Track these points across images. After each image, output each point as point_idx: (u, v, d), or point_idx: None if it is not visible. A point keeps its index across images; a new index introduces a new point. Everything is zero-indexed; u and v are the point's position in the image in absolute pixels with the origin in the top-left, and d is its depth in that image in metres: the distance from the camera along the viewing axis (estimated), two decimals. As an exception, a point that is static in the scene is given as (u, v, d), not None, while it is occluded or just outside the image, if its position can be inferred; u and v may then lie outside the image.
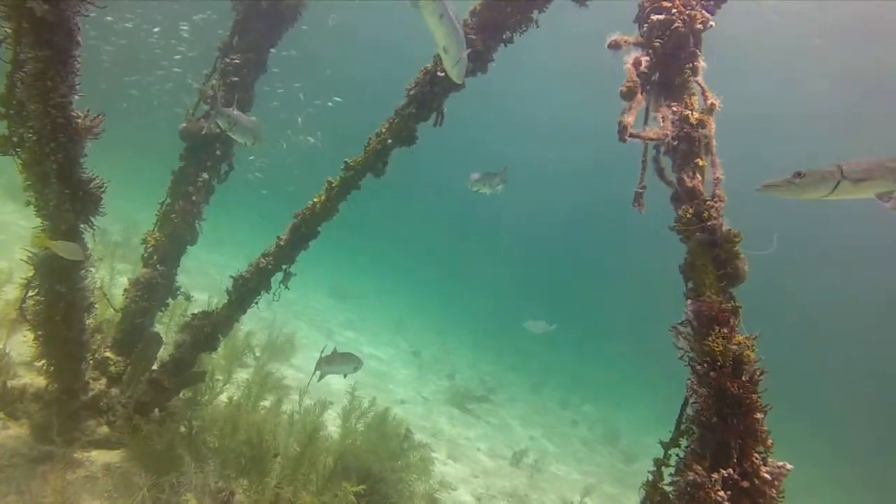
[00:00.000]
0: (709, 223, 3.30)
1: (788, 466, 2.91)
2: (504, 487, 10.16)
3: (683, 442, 3.29)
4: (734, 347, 3.04)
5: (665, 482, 3.25)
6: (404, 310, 25.24)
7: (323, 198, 5.04)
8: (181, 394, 6.46)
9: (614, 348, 28.60)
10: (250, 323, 11.13)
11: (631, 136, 3.41)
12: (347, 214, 5.49)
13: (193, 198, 5.98)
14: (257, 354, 10.66)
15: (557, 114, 38.04)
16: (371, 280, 29.52)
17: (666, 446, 3.32)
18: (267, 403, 8.22)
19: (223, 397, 8.03)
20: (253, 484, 5.79)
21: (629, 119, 3.47)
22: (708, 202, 3.37)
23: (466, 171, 7.10)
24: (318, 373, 6.57)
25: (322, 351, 6.58)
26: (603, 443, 16.98)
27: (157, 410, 5.86)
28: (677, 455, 3.24)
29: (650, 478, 3.33)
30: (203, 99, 6.03)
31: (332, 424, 8.93)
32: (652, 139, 3.46)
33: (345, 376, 7.39)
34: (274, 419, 7.03)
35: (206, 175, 6.03)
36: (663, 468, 3.31)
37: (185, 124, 5.88)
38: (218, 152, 6.01)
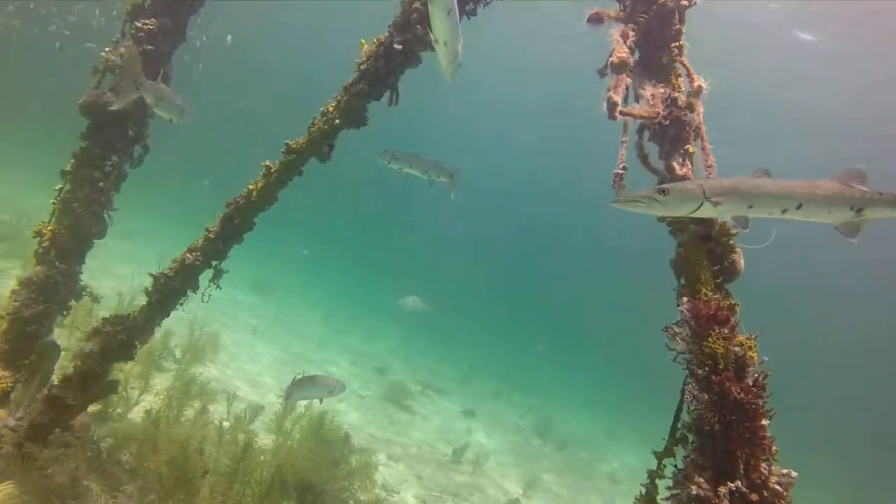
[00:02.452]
0: (705, 215, 3.06)
1: (794, 474, 2.72)
2: (448, 486, 9.86)
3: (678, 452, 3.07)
4: (736, 349, 2.82)
5: (661, 496, 3.00)
6: (329, 303, 24.37)
7: (260, 185, 4.40)
8: (89, 408, 5.60)
9: (535, 348, 29.15)
10: (168, 323, 10.11)
11: (622, 113, 3.09)
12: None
13: (101, 184, 5.12)
14: (178, 357, 9.68)
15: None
16: (294, 274, 28.27)
17: (660, 456, 3.07)
18: (191, 412, 7.41)
19: (140, 409, 7.16)
20: (179, 509, 5.09)
21: (617, 96, 3.16)
22: (701, 191, 3.13)
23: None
24: (288, 401, 6.13)
25: (296, 375, 6.11)
26: (536, 431, 17.14)
27: (57, 431, 5.00)
28: (673, 465, 3.00)
29: (643, 491, 3.07)
30: (110, 68, 5.16)
31: (264, 431, 8.24)
32: (643, 117, 3.17)
33: (321, 401, 6.67)
34: (200, 431, 6.29)
35: (115, 158, 5.18)
36: (657, 480, 3.07)
37: (87, 97, 5.00)
38: (130, 132, 5.16)
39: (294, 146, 4.30)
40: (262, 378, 11.51)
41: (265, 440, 7.62)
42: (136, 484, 5.21)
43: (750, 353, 2.82)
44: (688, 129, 3.24)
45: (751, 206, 3.00)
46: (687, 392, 2.93)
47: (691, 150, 3.26)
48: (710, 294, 3.02)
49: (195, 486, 5.38)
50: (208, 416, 7.26)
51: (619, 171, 3.19)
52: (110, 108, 4.68)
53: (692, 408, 2.89)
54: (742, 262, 3.06)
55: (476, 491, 10.20)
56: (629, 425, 22.42)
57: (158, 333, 9.41)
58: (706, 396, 2.82)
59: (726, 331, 2.87)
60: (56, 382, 4.85)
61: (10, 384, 5.03)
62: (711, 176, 3.17)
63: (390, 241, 52.34)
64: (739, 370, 2.80)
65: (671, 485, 2.93)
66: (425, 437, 12.34)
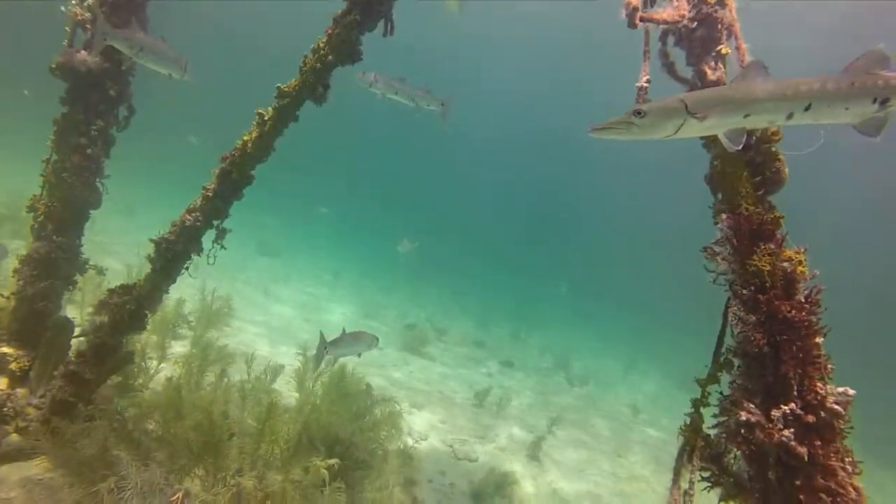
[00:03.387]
0: (743, 121, 2.77)
1: (851, 392, 2.55)
2: (473, 429, 9.96)
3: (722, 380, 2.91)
4: (785, 265, 2.60)
5: (707, 424, 2.87)
6: (338, 261, 24.33)
7: (255, 135, 4.12)
8: (109, 381, 5.55)
9: (558, 290, 28.91)
10: (178, 290, 10.04)
11: (642, 19, 2.77)
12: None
13: (88, 151, 4.85)
14: (192, 323, 9.64)
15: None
16: (299, 235, 28.13)
17: (703, 383, 2.91)
18: (211, 377, 7.39)
19: (160, 378, 7.14)
20: (210, 472, 5.09)
21: (636, 1, 2.82)
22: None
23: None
24: (328, 357, 6.07)
25: (322, 335, 6.02)
26: (556, 370, 17.30)
27: (81, 406, 4.95)
28: (719, 392, 2.85)
29: (688, 421, 2.93)
30: (80, 24, 4.80)
31: (287, 389, 8.25)
32: (667, 22, 2.84)
33: (359, 356, 6.68)
34: (223, 395, 6.25)
35: (100, 122, 4.89)
36: (702, 409, 2.92)
37: (59, 57, 4.67)
38: (112, 92, 4.85)
39: (286, 90, 3.99)
40: (278, 337, 11.52)
41: (288, 398, 7.64)
42: (164, 451, 5.19)
43: (800, 269, 2.61)
44: (719, 27, 2.91)
45: (747, 116, 2.62)
46: (731, 314, 2.74)
47: (724, 51, 2.93)
48: (751, 208, 2.78)
49: (223, 449, 5.36)
50: (229, 379, 7.23)
51: (643, 85, 2.89)
52: (85, 67, 4.35)
53: (737, 330, 2.71)
54: (786, 170, 2.79)
55: (501, 432, 10.32)
56: (647, 359, 22.64)
57: (171, 301, 9.37)
58: (753, 317, 2.63)
59: (772, 246, 2.65)
60: (71, 358, 4.76)
61: (27, 363, 4.96)
62: (749, 77, 2.86)
63: (406, 194, 51.87)
64: (789, 287, 2.60)
65: (717, 412, 2.79)
66: (447, 383, 12.44)
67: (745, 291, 2.67)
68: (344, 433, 6.44)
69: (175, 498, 4.23)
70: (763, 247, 2.64)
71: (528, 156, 54.76)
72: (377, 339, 6.33)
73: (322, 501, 5.53)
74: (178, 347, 8.71)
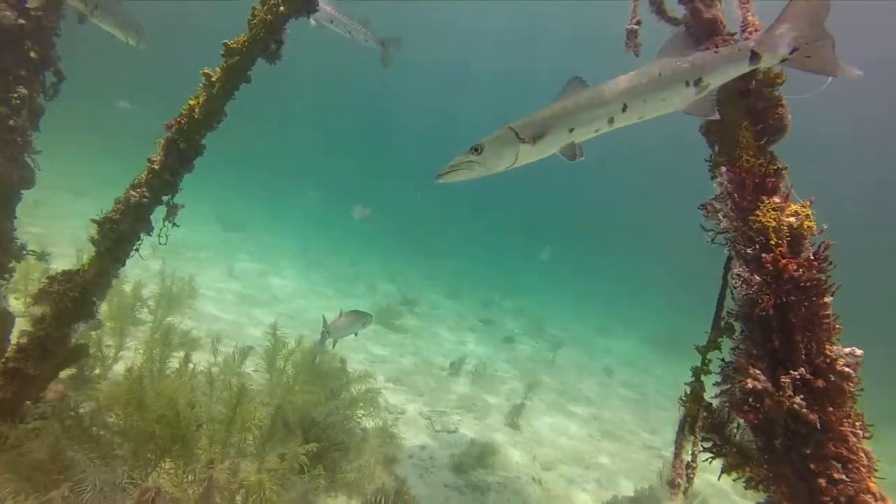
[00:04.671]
0: (745, 63, 2.53)
1: (858, 352, 2.40)
2: (451, 400, 9.85)
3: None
4: (791, 220, 2.41)
5: (709, 393, 2.70)
6: (304, 234, 23.76)
7: (202, 98, 3.70)
8: (61, 375, 5.14)
9: (539, 256, 28.91)
10: (135, 272, 9.50)
11: (639, -51, 2.48)
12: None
13: (11, 122, 4.33)
14: (152, 306, 9.15)
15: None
16: (262, 207, 27.29)
17: (703, 350, 2.74)
18: (175, 364, 7.00)
19: (119, 367, 6.73)
20: (179, 465, 4.78)
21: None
22: (735, 37, 2.59)
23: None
24: (331, 340, 6.29)
25: (325, 318, 6.36)
26: (530, 335, 17.36)
27: (28, 405, 4.55)
28: (721, 360, 2.68)
29: (688, 390, 2.77)
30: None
31: (256, 371, 7.93)
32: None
33: (356, 335, 6.99)
34: (189, 382, 5.90)
35: (22, 89, 4.35)
36: (703, 376, 2.76)
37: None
38: (32, 54, 4.30)
39: (234, 46, 3.56)
40: (245, 318, 11.12)
41: (259, 381, 7.33)
42: (127, 446, 4.85)
43: (807, 223, 2.41)
44: (714, -41, 2.63)
45: (573, 130, 2.66)
46: (733, 275, 2.54)
47: (719, -15, 2.67)
48: (752, 160, 2.56)
49: (192, 439, 5.05)
50: (195, 364, 6.86)
51: (633, 27, 2.64)
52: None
53: (740, 293, 2.52)
54: (789, 116, 2.57)
55: (478, 401, 10.24)
56: (619, 322, 22.99)
57: (128, 285, 8.86)
58: (757, 278, 2.44)
59: (777, 200, 2.45)
60: (11, 354, 4.33)
61: (-41, 361, 4.50)
62: (749, 13, 2.60)
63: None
64: (795, 243, 2.40)
65: (719, 380, 2.61)
66: (421, 354, 12.28)
67: (748, 250, 2.47)
68: (319, 414, 6.20)
69: (146, 498, 3.91)
70: (767, 201, 2.44)
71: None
72: (371, 317, 6.59)
73: (301, 486, 5.30)
74: (139, 333, 8.26)
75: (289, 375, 7.10)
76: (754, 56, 2.57)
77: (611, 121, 2.68)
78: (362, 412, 6.82)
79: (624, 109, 2.64)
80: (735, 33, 2.61)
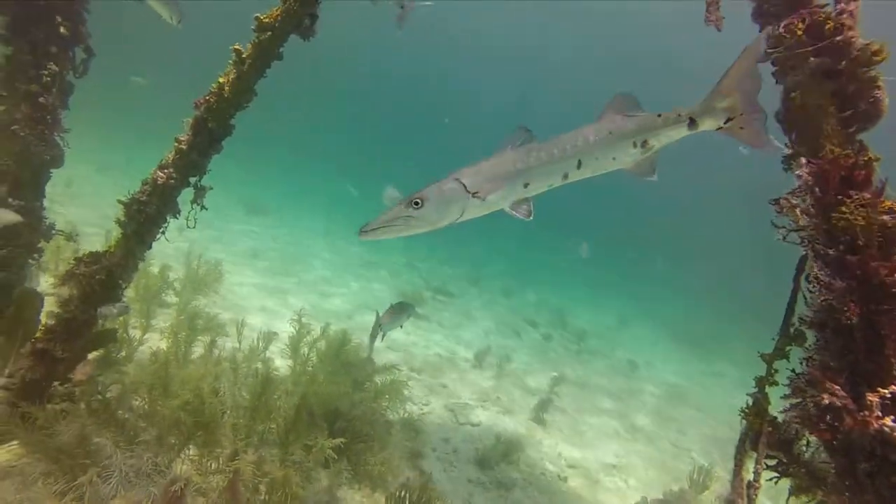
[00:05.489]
0: (837, 39, 2.25)
1: (955, 368, 2.14)
2: (475, 392, 9.70)
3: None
4: (884, 218, 2.14)
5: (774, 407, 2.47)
6: (328, 217, 23.79)
7: (232, 76, 3.53)
8: (89, 356, 5.09)
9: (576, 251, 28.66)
10: (162, 255, 9.50)
11: None
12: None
13: (41, 100, 4.23)
14: (178, 289, 9.15)
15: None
16: (286, 191, 27.40)
17: (770, 358, 2.50)
18: (200, 348, 6.96)
19: (145, 349, 6.71)
20: (203, 453, 4.72)
21: None
22: (828, 8, 2.31)
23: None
24: (381, 334, 6.45)
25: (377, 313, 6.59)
26: (553, 327, 17.10)
27: (56, 386, 4.50)
28: (790, 370, 2.44)
29: (750, 402, 2.54)
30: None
31: (280, 358, 7.87)
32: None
33: (401, 326, 7.31)
34: (214, 368, 5.83)
35: (53, 66, 4.25)
36: (768, 387, 2.52)
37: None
38: (63, 29, 4.19)
39: (266, 20, 3.39)
40: (269, 302, 11.09)
41: (282, 368, 7.26)
42: (152, 431, 4.79)
43: (902, 222, 2.15)
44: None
45: (527, 185, 2.54)
46: (811, 278, 2.29)
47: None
48: (837, 149, 2.29)
49: (216, 427, 4.98)
50: (219, 350, 6.80)
51: (713, -1, 2.37)
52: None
53: (818, 298, 2.27)
54: (887, 99, 2.29)
55: (503, 394, 10.08)
56: (641, 315, 22.57)
57: (154, 267, 8.86)
58: (839, 283, 2.19)
59: (867, 195, 2.18)
60: (39, 335, 4.28)
61: (-12, 341, 4.48)
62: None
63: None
64: (888, 245, 2.14)
65: (789, 392, 2.37)
66: (445, 344, 12.14)
67: (830, 251, 2.22)
68: (344, 405, 6.09)
69: (174, 488, 3.83)
70: (855, 196, 2.18)
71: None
72: (414, 308, 6.75)
73: (325, 479, 5.21)
74: (165, 316, 8.26)
75: (314, 364, 7.02)
76: (692, 122, 2.64)
77: (565, 176, 2.60)
78: (387, 404, 6.70)
79: (579, 166, 2.59)
80: (826, 4, 2.33)
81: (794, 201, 2.34)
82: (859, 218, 2.14)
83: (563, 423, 9.43)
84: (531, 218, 2.57)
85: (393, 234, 2.51)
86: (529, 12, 37.25)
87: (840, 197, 2.21)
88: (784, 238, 2.40)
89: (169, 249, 9.97)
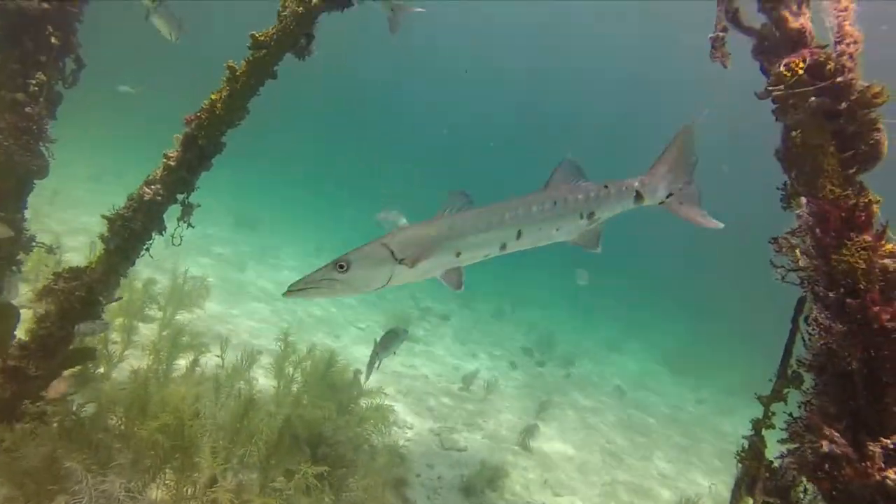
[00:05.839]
0: (838, 79, 2.24)
1: (957, 418, 2.09)
2: (461, 416, 9.55)
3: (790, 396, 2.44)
4: (886, 262, 2.11)
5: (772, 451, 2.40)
6: (319, 232, 23.65)
7: (225, 93, 3.47)
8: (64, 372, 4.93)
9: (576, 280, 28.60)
10: (148, 268, 9.34)
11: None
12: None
13: (28, 109, 4.14)
14: (162, 304, 8.97)
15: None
16: (278, 204, 27.25)
17: (767, 401, 2.44)
18: (182, 365, 6.79)
19: (125, 365, 6.54)
20: (180, 479, 4.55)
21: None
22: (828, 49, 2.30)
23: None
24: (378, 362, 6.60)
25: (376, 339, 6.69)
26: (543, 350, 17.00)
27: (27, 404, 4.34)
28: (788, 414, 2.38)
29: (746, 445, 2.47)
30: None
31: (264, 377, 7.70)
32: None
33: (395, 353, 7.37)
34: (194, 389, 5.67)
35: (41, 76, 4.17)
36: (764, 430, 2.46)
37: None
38: (54, 39, 4.12)
39: (262, 38, 3.34)
40: (255, 320, 10.92)
41: (267, 387, 7.11)
42: (127, 453, 4.62)
43: (903, 266, 2.11)
44: (804, -40, 2.35)
45: (459, 254, 2.44)
46: (810, 320, 2.24)
47: (809, -10, 2.38)
48: (837, 190, 2.27)
49: (194, 450, 4.82)
50: (201, 368, 6.64)
51: (719, 35, 2.37)
52: (14, 5, 3.63)
53: (817, 341, 2.22)
54: (886, 142, 2.27)
55: (489, 418, 9.94)
56: (629, 339, 22.54)
57: (138, 281, 8.69)
58: (839, 326, 2.14)
59: (867, 237, 2.15)
60: (12, 351, 4.13)
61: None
62: (846, 23, 2.30)
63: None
64: (890, 289, 2.10)
65: (786, 437, 2.31)
66: (432, 367, 12.00)
67: (830, 294, 2.17)
68: (328, 429, 5.95)
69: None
70: (856, 238, 2.14)
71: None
72: (407, 332, 6.91)
73: (305, 506, 5.04)
74: (147, 331, 8.08)
75: (298, 385, 6.88)
76: (638, 196, 2.64)
77: (503, 247, 2.51)
78: (372, 429, 6.56)
79: (518, 236, 2.50)
80: (826, 45, 2.32)
81: (794, 241, 2.30)
82: (860, 261, 2.10)
83: (549, 450, 9.30)
84: (462, 289, 2.53)
85: (319, 296, 2.44)
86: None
87: (841, 238, 2.17)
88: (783, 278, 2.36)
89: (154, 262, 9.81)
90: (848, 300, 2.12)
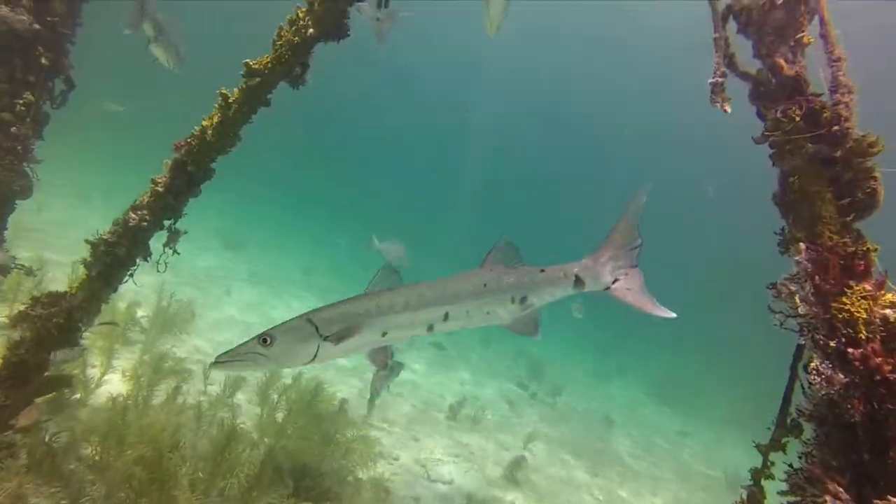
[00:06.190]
0: (834, 128, 2.24)
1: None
2: (447, 447, 9.36)
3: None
4: (886, 312, 2.07)
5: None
6: (308, 256, 23.48)
7: (216, 119, 3.42)
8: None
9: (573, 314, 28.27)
10: (132, 290, 9.16)
11: (720, -7, 2.21)
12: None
13: (13, 129, 4.06)
14: (145, 327, 8.78)
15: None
16: (267, 226, 27.06)
17: (766, 449, 2.37)
18: (163, 392, 6.59)
19: (104, 391, 6.33)
20: (154, 514, 4.36)
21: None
22: (824, 98, 2.30)
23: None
24: (378, 398, 6.81)
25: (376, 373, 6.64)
26: (531, 379, 16.83)
27: (-3, 433, 4.16)
28: (788, 465, 2.31)
29: (746, 495, 2.39)
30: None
31: (248, 403, 7.51)
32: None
33: (388, 388, 7.67)
34: (175, 418, 5.49)
35: (29, 96, 4.10)
36: (763, 480, 2.38)
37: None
38: (44, 60, 4.06)
39: (256, 67, 3.30)
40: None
41: (251, 411, 6.93)
42: (100, 488, 4.44)
43: (904, 317, 2.08)
44: (802, 8, 2.36)
45: (385, 334, 2.44)
46: (809, 369, 2.19)
47: (806, 39, 2.39)
48: (835, 237, 2.24)
49: (172, 485, 4.64)
50: (183, 396, 6.46)
51: (718, 80, 2.36)
52: (7, 27, 3.58)
53: (818, 391, 2.16)
54: (882, 190, 2.26)
55: (476, 449, 9.75)
56: (617, 369, 22.43)
57: (122, 302, 8.51)
58: (841, 376, 2.09)
59: (868, 286, 2.11)
60: (-16, 379, 3.97)
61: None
62: (840, 73, 2.31)
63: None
64: (891, 340, 2.06)
65: (787, 488, 2.24)
66: (419, 395, 11.81)
67: (831, 343, 2.13)
68: (313, 460, 5.79)
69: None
70: (856, 287, 2.11)
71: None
72: (403, 365, 7.01)
73: (285, 544, 4.86)
74: (129, 354, 7.87)
75: (283, 413, 6.70)
76: (579, 281, 2.55)
77: (430, 328, 2.48)
78: (358, 461, 6.39)
79: (446, 318, 2.46)
80: (821, 94, 2.32)
81: (793, 287, 2.27)
82: (861, 310, 2.07)
83: (536, 482, 9.12)
84: (386, 371, 2.49)
85: (244, 370, 2.43)
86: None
87: (840, 286, 2.14)
88: (781, 324, 2.32)
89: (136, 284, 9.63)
90: (849, 350, 2.07)
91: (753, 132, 2.48)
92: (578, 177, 53.75)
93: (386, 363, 2.49)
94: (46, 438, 4.53)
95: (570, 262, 2.61)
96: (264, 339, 2.30)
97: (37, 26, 3.74)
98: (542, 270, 2.54)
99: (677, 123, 37.06)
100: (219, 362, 2.37)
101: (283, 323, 2.44)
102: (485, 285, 2.45)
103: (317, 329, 2.34)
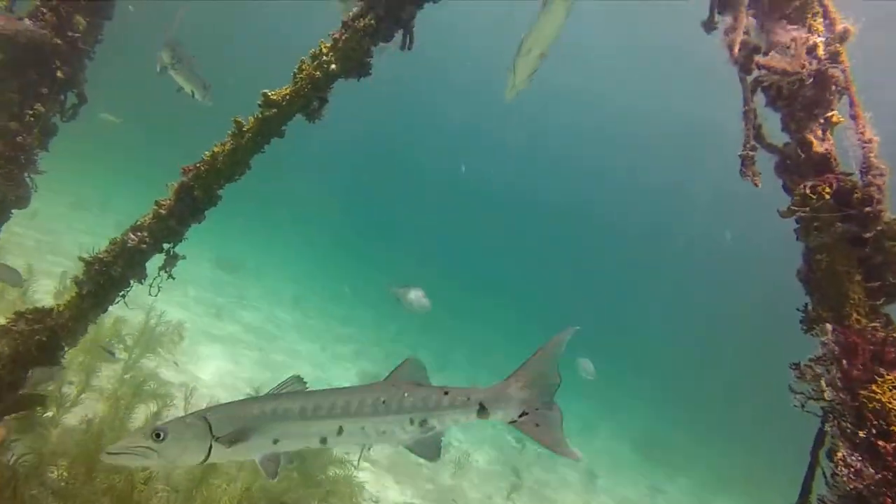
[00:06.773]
0: (866, 209, 2.18)
1: None
2: (429, 492, 9.05)
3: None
4: (919, 405, 1.98)
5: None
6: (300, 280, 23.29)
7: (228, 147, 3.35)
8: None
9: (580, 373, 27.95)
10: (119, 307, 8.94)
11: (759, 65, 2.19)
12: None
13: (19, 139, 3.98)
14: (129, 345, 8.52)
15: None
16: (261, 249, 26.86)
17: (784, 543, 2.24)
18: (142, 416, 6.34)
19: (80, 410, 6.08)
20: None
21: (738, 36, 2.24)
22: (853, 177, 2.26)
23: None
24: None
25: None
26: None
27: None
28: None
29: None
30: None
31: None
32: (786, 73, 2.26)
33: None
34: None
35: (39, 107, 4.03)
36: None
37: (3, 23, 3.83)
38: (60, 73, 4.01)
39: (275, 98, 3.25)
40: (226, 369, 10.45)
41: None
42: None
43: (938, 412, 1.98)
44: (832, 87, 2.34)
45: (277, 442, 2.30)
46: (837, 460, 2.08)
47: (835, 118, 2.36)
48: (863, 320, 2.16)
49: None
50: (163, 420, 6.19)
51: (749, 154, 2.31)
52: (26, 39, 3.52)
53: (847, 484, 2.04)
54: (914, 276, 2.19)
55: (459, 496, 9.44)
56: (598, 420, 22.05)
57: (108, 319, 8.28)
58: (871, 471, 1.97)
59: (899, 377, 2.02)
60: (-45, 394, 3.77)
61: None
62: (872, 154, 2.27)
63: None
64: (924, 436, 1.96)
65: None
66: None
67: (860, 433, 2.02)
68: (291, 499, 5.54)
69: None
70: (888, 377, 2.02)
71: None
72: None
73: None
74: (109, 372, 7.61)
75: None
76: (483, 408, 2.42)
77: (324, 441, 2.37)
78: (337, 502, 6.12)
79: (339, 432, 2.33)
80: (852, 173, 2.29)
81: (818, 370, 2.17)
82: (894, 402, 1.97)
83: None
84: (275, 480, 2.36)
85: (135, 464, 2.37)
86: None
87: (870, 374, 2.05)
88: (802, 406, 2.22)
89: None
90: (881, 443, 1.97)
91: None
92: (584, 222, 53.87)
93: (275, 473, 2.31)
94: (11, 461, 4.30)
95: (478, 387, 2.48)
96: (157, 433, 2.19)
97: (57, 41, 3.70)
98: (446, 393, 2.40)
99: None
100: (109, 454, 2.26)
101: (178, 418, 2.33)
102: (383, 402, 2.32)
103: (210, 429, 2.21)
